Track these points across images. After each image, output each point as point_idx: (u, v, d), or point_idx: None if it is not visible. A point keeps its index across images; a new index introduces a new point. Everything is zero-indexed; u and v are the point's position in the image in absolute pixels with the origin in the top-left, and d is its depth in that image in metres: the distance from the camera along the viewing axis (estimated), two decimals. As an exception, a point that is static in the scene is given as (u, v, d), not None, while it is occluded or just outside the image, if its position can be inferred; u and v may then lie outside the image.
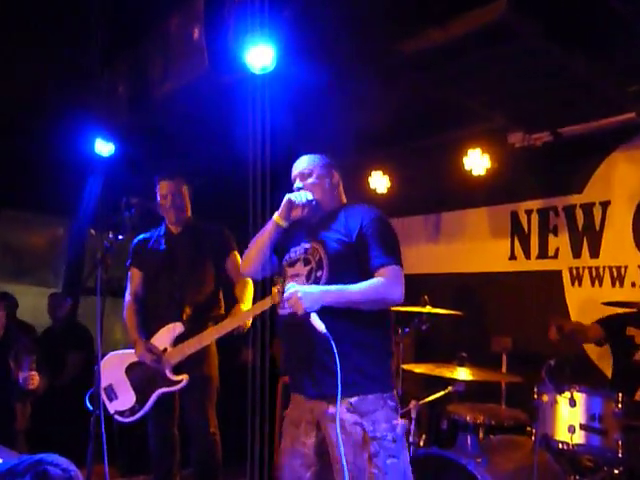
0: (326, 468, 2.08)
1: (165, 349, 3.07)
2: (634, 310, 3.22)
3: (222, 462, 3.25)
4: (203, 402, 3.16)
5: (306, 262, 2.21)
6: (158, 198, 3.26)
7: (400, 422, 2.08)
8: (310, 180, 2.31)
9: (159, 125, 3.60)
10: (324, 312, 2.01)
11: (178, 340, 3.07)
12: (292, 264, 2.27)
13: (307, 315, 1.95)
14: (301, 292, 1.97)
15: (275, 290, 2.80)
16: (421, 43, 3.02)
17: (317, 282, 2.12)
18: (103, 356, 3.24)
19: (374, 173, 4.85)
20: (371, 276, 2.07)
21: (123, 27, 3.28)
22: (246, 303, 3.10)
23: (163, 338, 3.10)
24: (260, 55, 2.74)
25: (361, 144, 4.33)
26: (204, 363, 3.16)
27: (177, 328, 3.08)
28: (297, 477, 2.15)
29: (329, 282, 2.09)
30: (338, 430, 1.87)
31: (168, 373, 3.05)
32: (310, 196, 2.24)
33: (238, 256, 3.21)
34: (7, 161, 4.31)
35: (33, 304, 4.87)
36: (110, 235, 3.02)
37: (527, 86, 3.46)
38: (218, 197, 3.97)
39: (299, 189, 2.27)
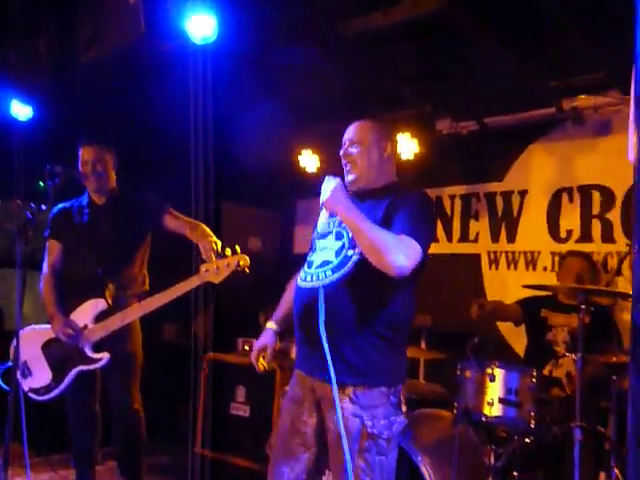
0: (324, 451, 2.03)
1: (85, 326, 2.96)
2: (548, 293, 3.47)
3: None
4: (126, 380, 3.09)
5: (338, 236, 2.07)
6: (81, 165, 3.09)
7: (398, 420, 2.01)
8: (356, 149, 2.12)
9: (86, 91, 3.41)
10: (356, 286, 1.96)
11: (100, 317, 2.96)
12: (323, 236, 2.11)
13: (321, 206, 1.96)
14: (333, 188, 1.94)
15: (203, 269, 2.79)
16: (361, 26, 3.06)
17: (347, 261, 1.99)
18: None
19: (304, 152, 4.87)
20: None
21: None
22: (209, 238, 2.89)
23: (84, 314, 2.98)
24: (201, 24, 2.66)
25: (293, 121, 4.33)
26: (127, 340, 3.06)
27: (99, 304, 2.97)
28: (294, 457, 2.06)
29: (360, 264, 1.95)
30: (340, 422, 1.84)
31: (87, 351, 2.95)
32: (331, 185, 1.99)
33: (175, 211, 3.10)
34: None
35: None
36: (32, 205, 2.87)
37: (457, 76, 3.59)
38: (153, 169, 3.84)
39: (346, 159, 2.13)
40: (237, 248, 2.73)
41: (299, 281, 2.12)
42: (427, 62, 3.43)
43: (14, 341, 3.02)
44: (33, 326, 3.14)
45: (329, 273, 2.02)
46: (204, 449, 3.95)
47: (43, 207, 2.97)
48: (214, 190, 3.23)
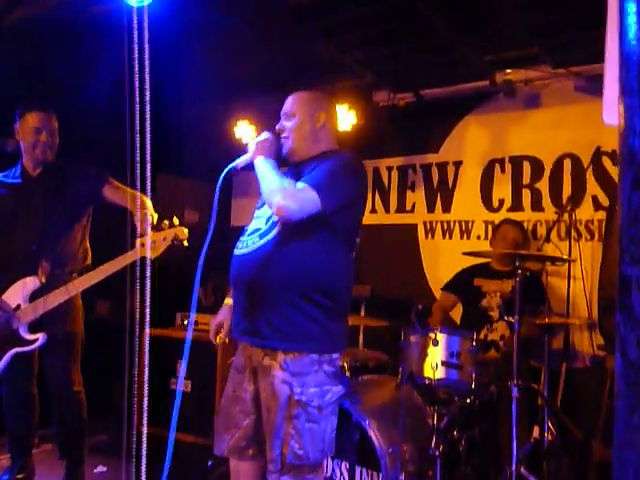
0: (262, 418, 2.03)
1: (18, 306, 2.79)
2: (480, 262, 3.61)
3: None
4: (66, 360, 2.95)
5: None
6: (21, 133, 2.87)
7: (333, 389, 2.01)
8: (290, 122, 2.15)
9: (11, 55, 3.17)
10: (280, 251, 1.97)
11: (34, 296, 2.80)
12: (261, 205, 2.17)
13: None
14: (263, 138, 2.10)
15: (139, 243, 2.69)
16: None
17: (273, 227, 2.03)
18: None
19: (240, 122, 4.76)
20: (322, 229, 1.99)
21: None
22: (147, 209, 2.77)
23: (16, 293, 2.80)
24: (136, -15, 2.51)
25: (229, 91, 4.22)
26: (66, 318, 2.92)
27: (31, 283, 2.80)
28: (234, 424, 2.08)
29: (284, 229, 2.00)
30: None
31: (22, 332, 2.78)
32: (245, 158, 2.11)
33: (115, 181, 2.96)
34: None
35: None
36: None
37: (395, 47, 3.59)
38: (86, 138, 3.64)
39: (281, 133, 2.14)
40: (175, 220, 2.65)
41: (234, 250, 2.14)
42: (366, 31, 3.41)
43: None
44: None
45: (257, 239, 2.06)
46: (144, 426, 3.88)
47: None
48: (149, 161, 3.10)
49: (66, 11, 2.65)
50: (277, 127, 2.18)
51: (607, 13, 0.89)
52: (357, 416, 2.61)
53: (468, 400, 2.83)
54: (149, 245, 2.60)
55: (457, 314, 3.82)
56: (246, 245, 2.08)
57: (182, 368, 2.04)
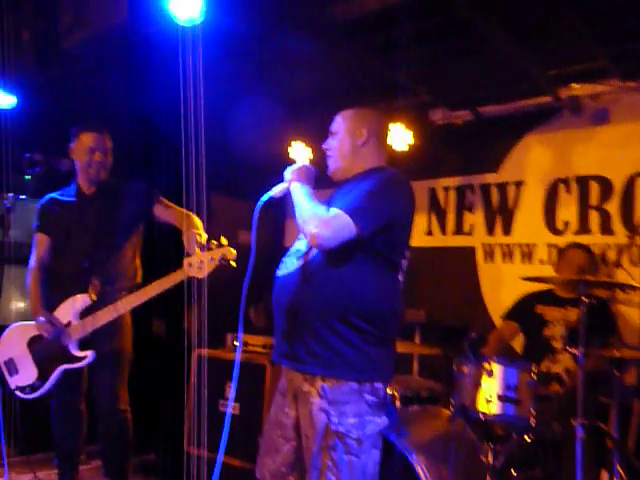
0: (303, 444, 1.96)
1: (69, 323, 2.82)
2: (542, 289, 3.37)
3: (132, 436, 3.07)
4: (113, 378, 2.95)
5: None
6: (76, 152, 2.93)
7: (375, 421, 1.89)
8: (332, 141, 2.11)
9: (70, 76, 3.26)
10: (319, 273, 1.90)
11: (84, 313, 2.82)
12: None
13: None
14: (300, 165, 2.09)
15: (186, 263, 2.66)
16: (354, 9, 2.93)
17: (311, 248, 1.97)
18: (5, 327, 2.99)
19: (294, 144, 4.73)
20: (361, 251, 1.90)
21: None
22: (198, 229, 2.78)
23: (67, 310, 2.84)
24: (186, 4, 2.51)
25: (283, 111, 4.20)
26: (116, 336, 2.93)
27: (82, 300, 2.82)
28: (275, 449, 2.02)
29: (320, 253, 1.93)
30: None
31: (71, 348, 2.81)
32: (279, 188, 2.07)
33: (165, 200, 2.96)
34: None
35: None
36: (10, 195, 2.72)
37: (452, 63, 3.47)
38: (139, 158, 3.69)
39: (325, 152, 2.12)
40: (223, 240, 2.61)
41: (277, 271, 2.08)
42: (420, 48, 3.29)
43: (1, 337, 2.94)
44: (20, 322, 3.01)
45: (295, 261, 2.00)
46: (193, 447, 3.84)
47: (22, 197, 2.84)
48: (204, 182, 3.11)
49: (121, 33, 2.69)
50: (323, 146, 2.14)
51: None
52: (404, 450, 2.46)
53: (527, 438, 2.61)
54: (197, 266, 2.58)
55: (519, 344, 3.58)
56: (286, 267, 2.03)
57: (232, 390, 2.01)
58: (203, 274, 2.59)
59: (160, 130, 3.14)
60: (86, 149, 2.90)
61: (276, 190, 2.08)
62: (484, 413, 2.51)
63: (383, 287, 1.95)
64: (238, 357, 2.03)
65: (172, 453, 3.63)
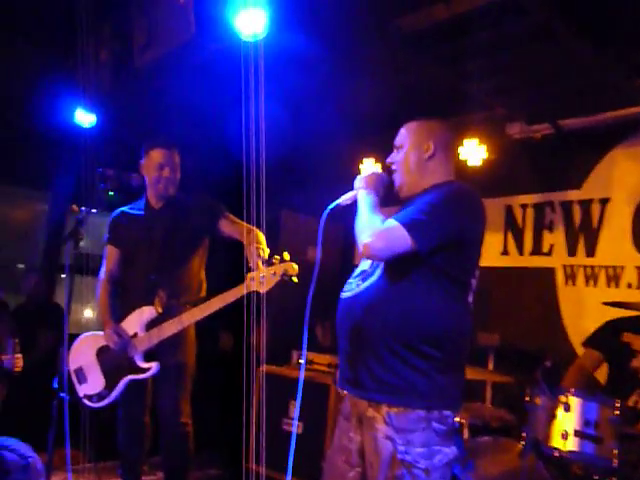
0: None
1: (135, 334, 2.86)
2: (630, 315, 3.07)
3: (194, 450, 3.05)
4: (176, 391, 2.95)
5: None
6: (146, 168, 2.99)
7: (444, 451, 1.79)
8: (397, 155, 2.04)
9: (144, 94, 3.36)
10: (384, 296, 1.83)
11: (150, 325, 2.85)
12: None
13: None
14: (371, 173, 2.05)
15: (249, 277, 2.63)
16: (424, 19, 2.83)
17: (376, 269, 1.90)
18: (77, 337, 3.06)
19: (366, 160, 4.65)
20: (426, 271, 1.82)
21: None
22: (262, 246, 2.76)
23: (134, 322, 2.88)
24: (251, 20, 2.51)
25: (354, 127, 4.14)
26: (179, 349, 2.93)
27: (148, 312, 2.85)
28: (340, 475, 1.94)
29: (386, 272, 1.87)
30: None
31: (137, 360, 2.85)
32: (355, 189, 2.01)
33: (231, 215, 2.96)
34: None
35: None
36: (83, 208, 2.81)
37: (530, 74, 3.29)
38: (203, 171, 3.75)
39: (390, 167, 2.04)
40: (285, 256, 2.56)
41: (341, 292, 2.01)
42: (497, 58, 3.14)
43: (72, 345, 3.02)
44: (90, 332, 3.09)
45: (360, 282, 1.92)
46: (256, 465, 3.79)
47: (93, 211, 2.92)
48: (266, 197, 3.10)
49: (188, 50, 2.73)
50: (387, 160, 2.06)
51: None
52: (469, 485, 2.28)
53: (610, 480, 2.35)
54: (259, 280, 2.55)
55: (602, 375, 3.29)
56: (350, 288, 1.96)
57: (296, 409, 1.97)
58: (265, 289, 2.56)
59: (225, 145, 3.15)
60: (155, 165, 2.95)
61: (344, 198, 2.03)
62: (559, 450, 2.32)
63: (452, 310, 1.84)
64: (302, 375, 1.98)
65: (233, 469, 3.60)
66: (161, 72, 3.06)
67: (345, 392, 1.98)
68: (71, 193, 4.47)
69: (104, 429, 3.62)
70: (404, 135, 2.03)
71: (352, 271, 2.10)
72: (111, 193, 3.00)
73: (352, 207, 2.04)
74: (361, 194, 1.96)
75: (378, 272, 1.88)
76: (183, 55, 2.80)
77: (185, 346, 2.97)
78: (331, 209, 1.99)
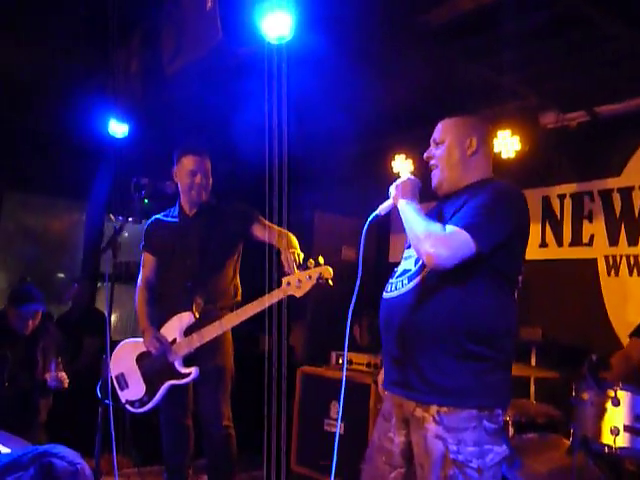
0: (411, 472, 1.87)
1: (174, 340, 2.89)
2: None
3: (237, 453, 3.06)
4: (216, 394, 2.97)
5: None
6: (179, 175, 3.01)
7: (495, 450, 1.77)
8: (438, 150, 2.01)
9: (173, 102, 3.40)
10: (433, 295, 1.81)
11: (189, 331, 2.88)
12: (409, 246, 2.02)
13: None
14: (404, 180, 1.96)
15: (285, 282, 2.63)
16: (449, 12, 2.79)
17: (422, 268, 1.88)
18: (118, 343, 3.11)
19: (397, 157, 4.62)
20: (478, 269, 1.79)
21: (136, 1, 3.08)
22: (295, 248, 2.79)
23: (172, 328, 2.91)
24: (277, 23, 2.52)
25: (383, 125, 4.11)
26: (218, 353, 2.96)
27: (187, 318, 2.88)
28: (381, 476, 1.94)
29: (433, 273, 1.83)
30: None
31: (177, 365, 2.88)
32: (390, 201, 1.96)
33: (264, 219, 2.97)
34: (21, 143, 4.18)
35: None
36: (120, 217, 2.85)
37: (563, 61, 3.23)
38: (232, 177, 3.77)
39: (429, 162, 2.00)
40: (320, 259, 2.57)
41: (383, 292, 1.99)
42: (528, 47, 3.07)
43: (113, 352, 3.05)
44: (131, 339, 3.13)
45: (406, 282, 1.90)
46: (298, 466, 3.81)
47: (130, 219, 2.97)
48: (297, 199, 3.13)
49: (216, 55, 2.74)
50: (425, 155, 2.02)
51: None
52: (516, 484, 2.23)
53: (664, 476, 2.28)
54: (295, 284, 2.58)
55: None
56: (395, 288, 1.94)
57: (339, 410, 2.00)
58: (301, 293, 2.59)
59: (253, 148, 3.17)
60: (187, 172, 2.97)
61: (382, 208, 2.00)
62: (609, 446, 2.26)
63: (502, 307, 1.83)
64: (344, 375, 1.95)
65: (278, 470, 3.61)
66: (190, 79, 3.08)
67: (386, 392, 1.97)
68: (107, 202, 4.57)
69: (148, 434, 3.68)
70: (445, 131, 2.00)
71: (389, 270, 2.08)
72: (146, 201, 3.06)
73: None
74: (402, 203, 1.91)
75: (425, 272, 1.86)
76: (211, 61, 2.81)
77: (223, 350, 2.99)
78: (371, 220, 1.97)
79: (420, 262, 1.89)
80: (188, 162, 2.98)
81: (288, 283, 2.59)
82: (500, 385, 1.81)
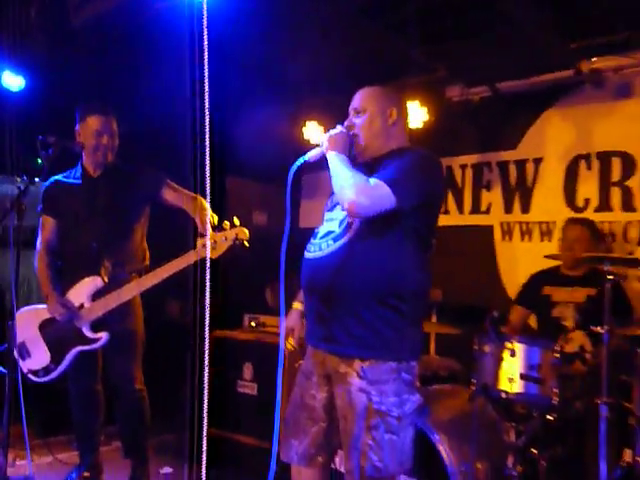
0: (334, 426, 1.98)
1: (82, 305, 2.82)
2: (549, 267, 3.33)
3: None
4: (127, 358, 2.96)
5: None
6: (83, 135, 2.89)
7: (412, 399, 1.92)
8: (360, 119, 2.06)
9: (79, 55, 3.20)
10: (357, 255, 1.90)
11: (97, 295, 2.82)
12: (332, 208, 2.11)
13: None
14: (336, 132, 2.03)
15: (200, 243, 2.64)
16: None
17: (348, 229, 1.96)
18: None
19: (308, 123, 4.66)
20: (399, 230, 1.90)
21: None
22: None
23: (80, 293, 2.84)
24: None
25: (296, 91, 4.13)
26: (127, 317, 2.92)
27: (94, 282, 2.83)
28: (302, 430, 2.03)
29: (360, 232, 1.93)
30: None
31: (85, 330, 2.82)
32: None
33: (173, 184, 2.95)
34: None
35: None
36: (24, 177, 2.69)
37: (469, 39, 3.36)
38: (147, 138, 3.64)
39: (351, 130, 2.05)
40: (235, 220, 2.60)
41: (305, 253, 2.07)
42: (437, 24, 3.21)
43: (13, 321, 2.92)
44: (30, 306, 3.00)
45: (330, 242, 1.99)
46: (211, 428, 3.84)
47: (37, 180, 2.80)
48: (213, 163, 3.09)
49: (129, 9, 2.62)
50: (345, 124, 2.08)
51: None
52: (426, 429, 2.44)
53: (550, 417, 2.57)
54: (210, 246, 2.57)
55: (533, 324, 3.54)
56: (319, 248, 2.01)
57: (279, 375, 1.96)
58: (216, 254, 2.59)
59: (167, 110, 3.09)
60: (93, 132, 2.87)
61: (311, 154, 2.05)
62: (506, 392, 2.49)
63: (419, 267, 1.95)
64: (282, 339, 2.01)
65: (191, 434, 3.64)
66: (98, 32, 2.92)
67: (316, 349, 2.04)
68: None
69: (53, 404, 3.57)
70: (366, 100, 2.08)
71: (301, 235, 2.11)
72: (39, 161, 2.90)
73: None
74: (331, 154, 1.98)
75: (350, 233, 1.94)
76: (123, 14, 2.68)
77: (133, 314, 2.96)
78: (298, 166, 2.01)
79: (344, 224, 1.98)
80: (94, 122, 2.87)
81: (203, 245, 2.60)
82: (415, 339, 1.96)
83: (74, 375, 2.96)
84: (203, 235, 2.63)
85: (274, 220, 5.06)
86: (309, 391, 2.03)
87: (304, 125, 4.66)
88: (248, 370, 3.80)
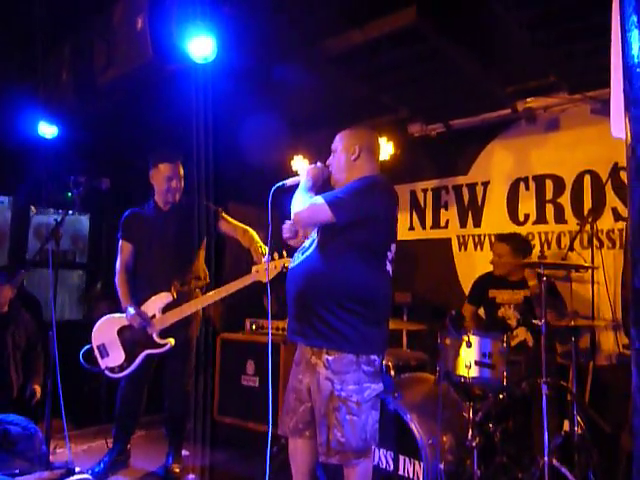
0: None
1: (154, 315, 2.90)
2: (489, 271, 3.41)
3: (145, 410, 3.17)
4: (185, 363, 3.06)
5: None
6: (155, 178, 2.99)
7: (373, 386, 1.95)
8: (332, 157, 2.17)
9: (104, 109, 3.28)
10: (316, 265, 1.97)
11: (166, 308, 2.90)
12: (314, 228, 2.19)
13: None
14: (313, 166, 2.15)
15: (254, 269, 2.72)
16: (342, 43, 2.95)
17: (312, 244, 2.05)
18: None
19: (296, 157, 4.75)
20: (347, 245, 1.96)
21: (66, 11, 2.92)
22: (258, 242, 2.88)
23: (153, 306, 2.92)
24: (201, 45, 2.54)
25: (286, 130, 4.22)
26: (189, 326, 3.02)
27: (166, 297, 2.90)
28: (292, 410, 2.09)
29: (317, 245, 2.02)
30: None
31: (155, 337, 2.89)
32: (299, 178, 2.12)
33: (226, 215, 3.07)
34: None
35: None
36: (60, 210, 2.76)
37: (427, 84, 3.48)
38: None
39: (326, 164, 2.17)
40: (284, 253, 2.64)
41: (289, 265, 2.17)
42: (401, 73, 3.33)
43: (95, 325, 2.98)
44: (111, 315, 3.03)
45: (300, 256, 2.07)
46: (221, 416, 3.89)
47: (70, 212, 2.87)
48: (215, 192, 3.26)
49: (146, 70, 2.71)
50: (327, 162, 2.18)
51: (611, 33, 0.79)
52: (400, 410, 2.50)
53: (501, 396, 2.66)
54: (263, 272, 2.65)
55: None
56: (294, 261, 2.10)
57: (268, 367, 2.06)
58: (268, 279, 2.65)
59: (182, 150, 3.17)
60: (164, 177, 2.98)
61: (289, 181, 2.13)
62: (464, 377, 2.55)
63: (371, 275, 1.98)
64: (270, 338, 2.09)
65: (203, 421, 3.67)
66: (121, 90, 3.00)
67: (295, 342, 2.11)
68: (31, 197, 4.26)
69: (85, 397, 3.58)
70: (337, 141, 2.17)
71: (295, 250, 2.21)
72: (70, 195, 2.96)
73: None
74: (302, 181, 2.07)
75: (312, 248, 2.02)
76: (141, 75, 2.77)
77: (193, 324, 3.05)
78: (276, 187, 2.08)
79: (311, 239, 2.07)
80: (165, 169, 2.97)
81: (257, 271, 2.70)
82: (374, 336, 1.97)
83: (131, 374, 2.97)
84: (256, 263, 2.74)
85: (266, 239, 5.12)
86: (297, 376, 2.09)
87: (292, 159, 4.76)
88: (250, 366, 3.84)
